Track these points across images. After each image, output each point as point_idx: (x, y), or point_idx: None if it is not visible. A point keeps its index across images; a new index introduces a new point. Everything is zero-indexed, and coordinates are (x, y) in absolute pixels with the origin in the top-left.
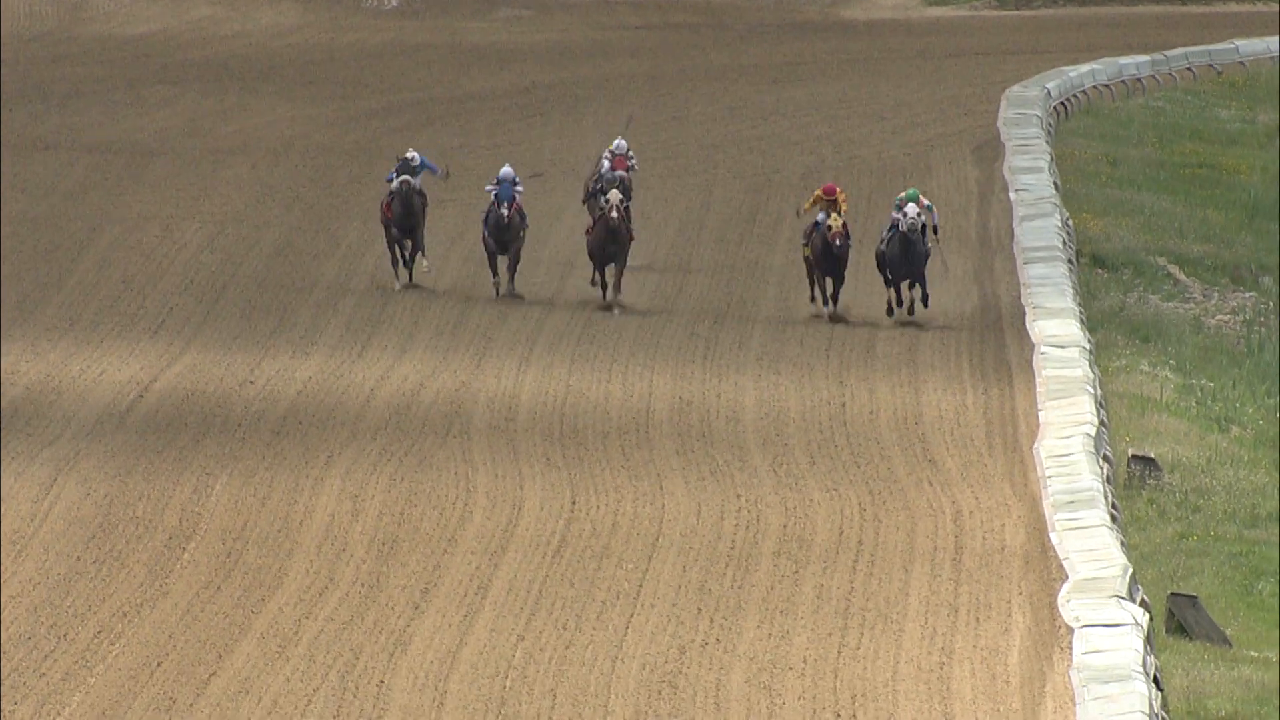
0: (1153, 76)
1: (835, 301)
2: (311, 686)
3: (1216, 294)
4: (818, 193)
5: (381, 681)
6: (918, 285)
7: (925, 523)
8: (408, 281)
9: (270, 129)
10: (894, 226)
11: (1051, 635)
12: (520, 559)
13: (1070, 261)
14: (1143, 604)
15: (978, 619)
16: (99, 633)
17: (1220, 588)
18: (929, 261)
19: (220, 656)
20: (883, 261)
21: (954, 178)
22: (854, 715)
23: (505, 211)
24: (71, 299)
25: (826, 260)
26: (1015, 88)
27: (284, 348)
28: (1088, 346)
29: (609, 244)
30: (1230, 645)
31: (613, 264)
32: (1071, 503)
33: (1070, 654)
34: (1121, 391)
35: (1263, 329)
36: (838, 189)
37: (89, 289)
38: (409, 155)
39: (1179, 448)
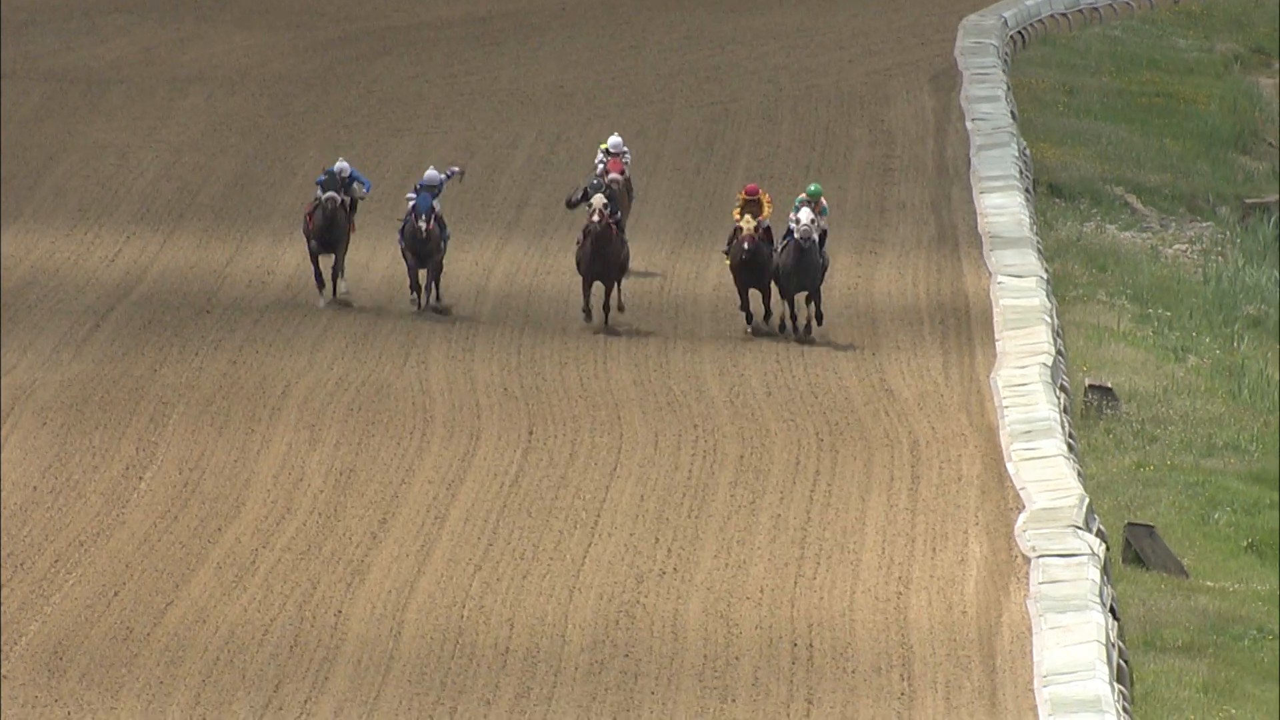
0: (1110, 5)
1: (767, 314)
2: (269, 616)
3: (1174, 223)
4: (740, 195)
5: (339, 611)
6: (813, 302)
7: (882, 453)
8: (331, 298)
9: (227, 58)
10: (789, 234)
11: (1008, 565)
12: (478, 489)
13: (1027, 191)
14: (1099, 534)
15: (934, 549)
16: (56, 562)
17: (1177, 517)
18: (825, 274)
19: (177, 586)
20: (776, 273)
21: (911, 107)
22: (811, 644)
23: (423, 225)
24: (28, 228)
25: (744, 269)
26: (972, 16)
27: (241, 277)
28: (1045, 276)
29: (596, 259)
30: (1187, 575)
31: (603, 282)
32: (1028, 432)
33: (1027, 583)
34: (1078, 321)
35: (1220, 259)
36: (760, 190)
37: (45, 218)
38: (337, 167)
39: (1136, 377)
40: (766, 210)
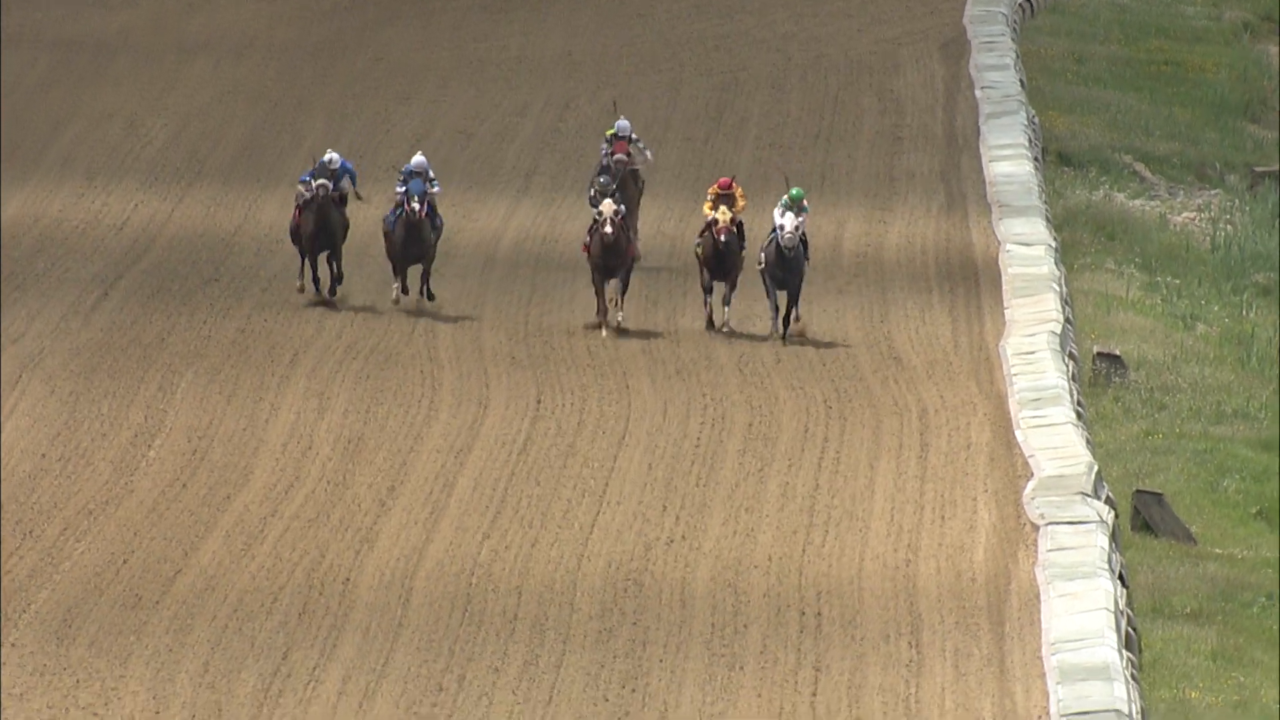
0: None
1: (727, 304)
2: (277, 584)
3: (1182, 191)
4: (713, 188)
5: (347, 579)
6: (792, 305)
7: (891, 420)
8: (315, 295)
9: (234, 25)
10: (774, 232)
11: (1017, 532)
12: (486, 457)
13: (1036, 159)
14: (1108, 501)
15: (943, 516)
16: (64, 530)
17: (1185, 485)
18: (806, 275)
19: (186, 554)
20: (761, 270)
21: (921, 75)
22: (819, 613)
23: (417, 206)
24: (35, 196)
25: (715, 261)
26: None
27: (249, 244)
28: (1053, 244)
29: (605, 260)
30: (1195, 542)
31: (614, 280)
32: (1037, 400)
33: (1035, 551)
34: (1087, 289)
35: (1228, 226)
36: (734, 183)
37: (53, 186)
38: (327, 158)
39: (1144, 345)
40: (740, 205)
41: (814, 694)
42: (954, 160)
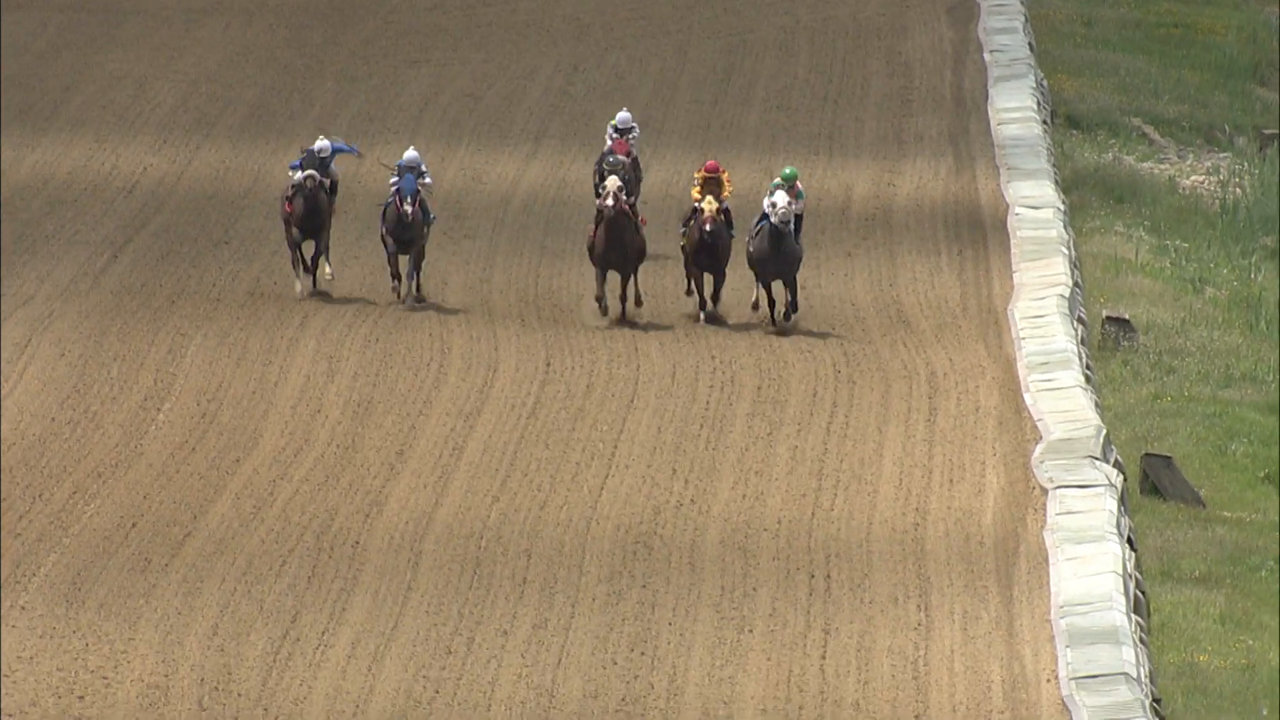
0: None
1: (716, 300)
2: (286, 547)
3: (1191, 154)
4: (699, 174)
5: (357, 543)
6: (787, 290)
7: (899, 384)
8: (311, 289)
9: None
10: (763, 217)
11: (1025, 496)
12: (495, 421)
13: (1045, 123)
14: (1117, 465)
15: (952, 480)
16: (74, 493)
17: (1194, 448)
18: (800, 263)
19: (195, 517)
20: (751, 258)
21: (929, 38)
22: (828, 576)
23: (409, 209)
24: (45, 159)
25: (702, 252)
26: None
27: (258, 208)
28: (1062, 208)
29: (610, 247)
30: (1204, 505)
31: (619, 271)
32: (1046, 364)
33: (1044, 515)
34: (1096, 253)
35: (1237, 189)
36: (720, 167)
37: (62, 149)
38: (317, 146)
39: (1153, 309)
40: (727, 190)
41: (823, 657)
42: (962, 123)
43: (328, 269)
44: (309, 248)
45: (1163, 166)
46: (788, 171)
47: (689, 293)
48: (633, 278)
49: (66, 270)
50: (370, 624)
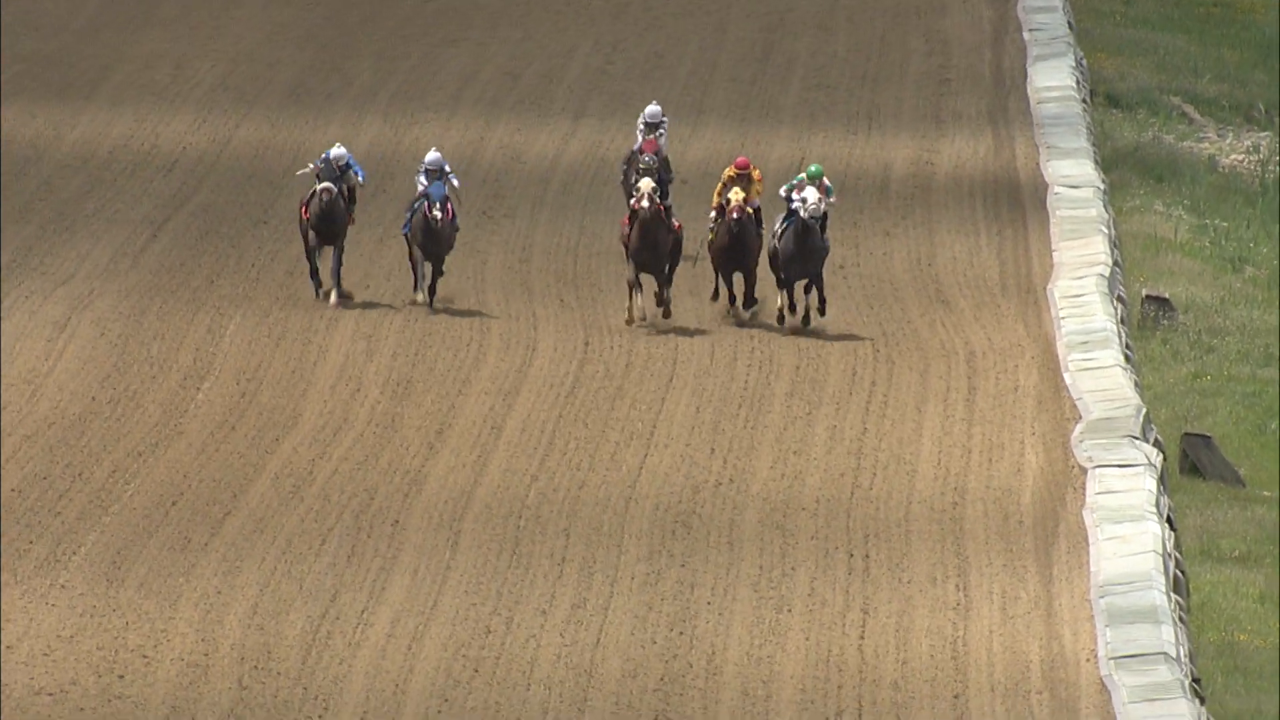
0: None
1: (748, 304)
2: (326, 526)
3: (1231, 133)
4: (729, 170)
5: (396, 521)
6: (815, 289)
7: (938, 364)
8: (331, 292)
9: None
10: (790, 215)
11: (1065, 475)
12: (534, 399)
13: (1084, 101)
14: (1156, 444)
15: (991, 459)
16: (114, 472)
17: (1234, 427)
18: (827, 259)
19: (235, 496)
20: (775, 258)
21: (968, 17)
22: (867, 555)
23: (438, 214)
24: (84, 138)
25: (729, 250)
26: None
27: (298, 188)
28: (1102, 187)
29: (644, 247)
30: (1243, 485)
31: (652, 273)
32: (1085, 343)
33: (1084, 494)
34: (1135, 232)
35: (1277, 168)
36: (751, 164)
37: (101, 128)
38: (334, 154)
39: (1193, 288)
40: (758, 188)
41: (862, 637)
42: (1001, 102)
43: (335, 294)
44: (325, 256)
45: (1202, 145)
46: (813, 169)
47: (714, 297)
48: (666, 282)
49: (106, 249)
50: (409, 603)
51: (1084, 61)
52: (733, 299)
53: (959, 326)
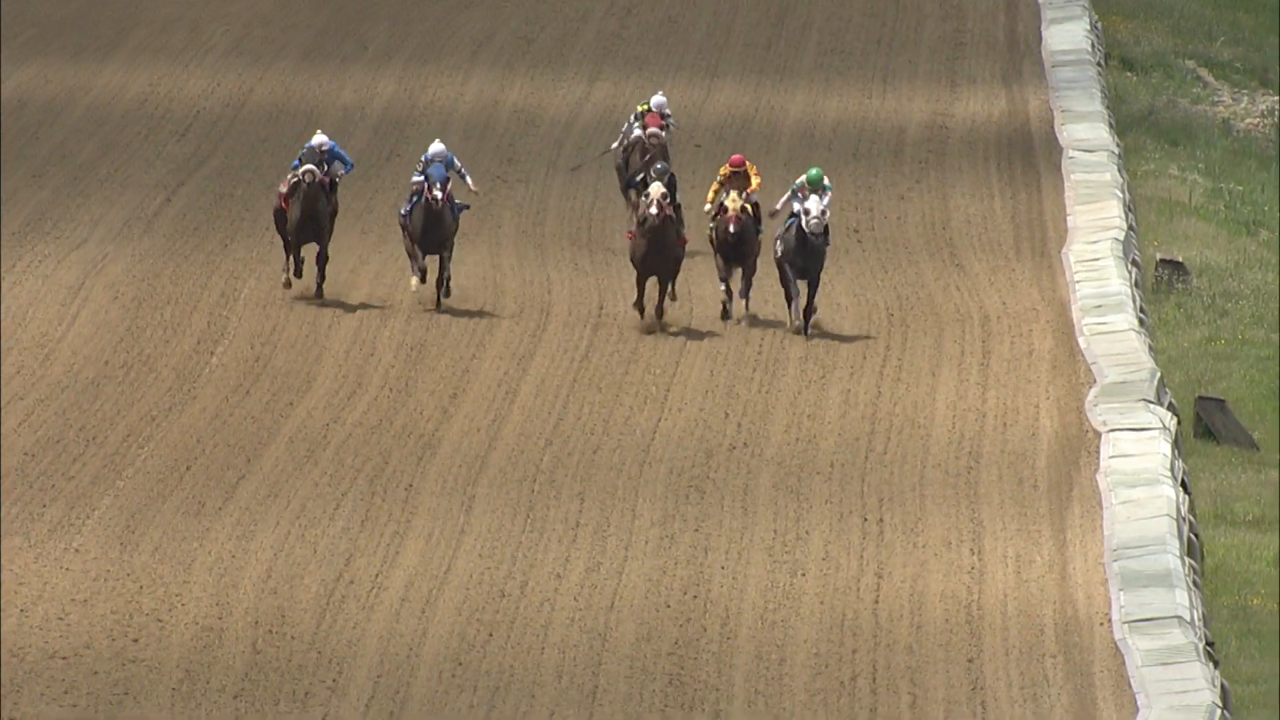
0: None
1: (746, 297)
2: (340, 490)
3: (1246, 97)
4: (724, 169)
5: (410, 485)
6: (809, 290)
7: (953, 327)
8: (297, 284)
9: None
10: (793, 218)
11: (1079, 439)
12: (548, 363)
13: (1099, 65)
14: (1170, 408)
15: (1005, 423)
16: (128, 436)
17: (1248, 391)
18: (825, 261)
19: (249, 460)
20: (779, 254)
21: None
22: (881, 519)
23: (438, 194)
24: (98, 101)
25: (729, 249)
26: None
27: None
28: (1116, 151)
29: (651, 254)
30: (1257, 449)
31: (659, 277)
32: (1099, 307)
33: (1098, 458)
34: (1150, 195)
35: None
36: (746, 161)
37: (116, 91)
38: (316, 141)
39: (1207, 251)
40: (755, 184)
41: (876, 600)
42: (1016, 65)
43: (321, 284)
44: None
45: (1217, 109)
46: (813, 173)
47: (724, 287)
48: (671, 283)
49: (120, 213)
50: (424, 566)
51: (1099, 25)
52: (729, 292)
53: (973, 290)
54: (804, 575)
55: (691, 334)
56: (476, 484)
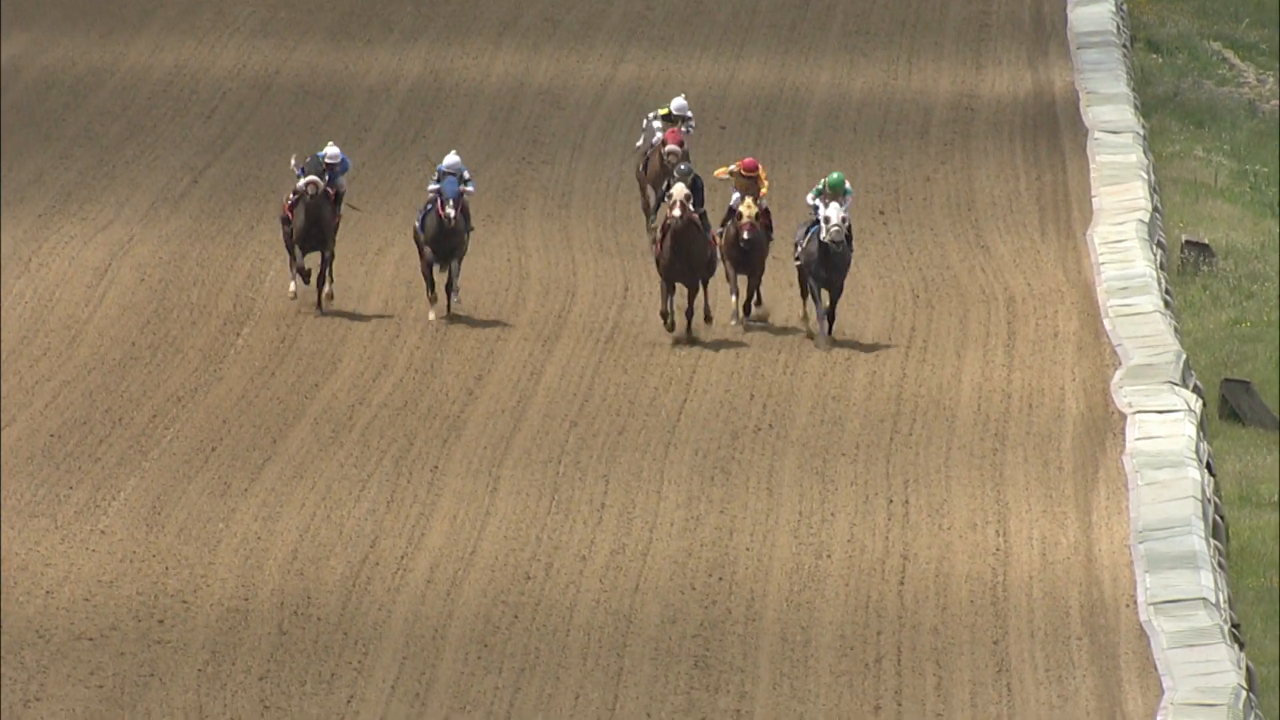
0: None
1: (749, 309)
2: (365, 472)
3: (1271, 78)
4: (735, 169)
5: (435, 467)
6: (830, 300)
7: (978, 309)
8: (301, 290)
9: None
10: (814, 224)
11: (1105, 421)
12: (573, 345)
13: (1124, 46)
14: (1196, 390)
15: (1030, 405)
16: (154, 417)
17: (1273, 372)
18: (849, 268)
19: (274, 441)
20: (801, 264)
21: None
22: (906, 501)
23: (451, 212)
24: (125, 84)
25: (738, 255)
26: None
27: (337, 134)
28: (1141, 132)
29: (677, 259)
30: None
31: (686, 284)
32: (1125, 289)
33: (1123, 440)
34: (1175, 177)
35: None
36: (759, 166)
37: (141, 74)
38: (329, 153)
39: (1233, 233)
40: (764, 190)
41: (901, 582)
42: (1041, 47)
43: (329, 288)
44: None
45: (1242, 90)
46: (834, 178)
47: (734, 291)
48: (702, 290)
49: (146, 195)
50: (449, 548)
51: (1124, 6)
52: (737, 305)
53: (998, 271)
54: (829, 557)
55: (717, 315)
56: (502, 465)
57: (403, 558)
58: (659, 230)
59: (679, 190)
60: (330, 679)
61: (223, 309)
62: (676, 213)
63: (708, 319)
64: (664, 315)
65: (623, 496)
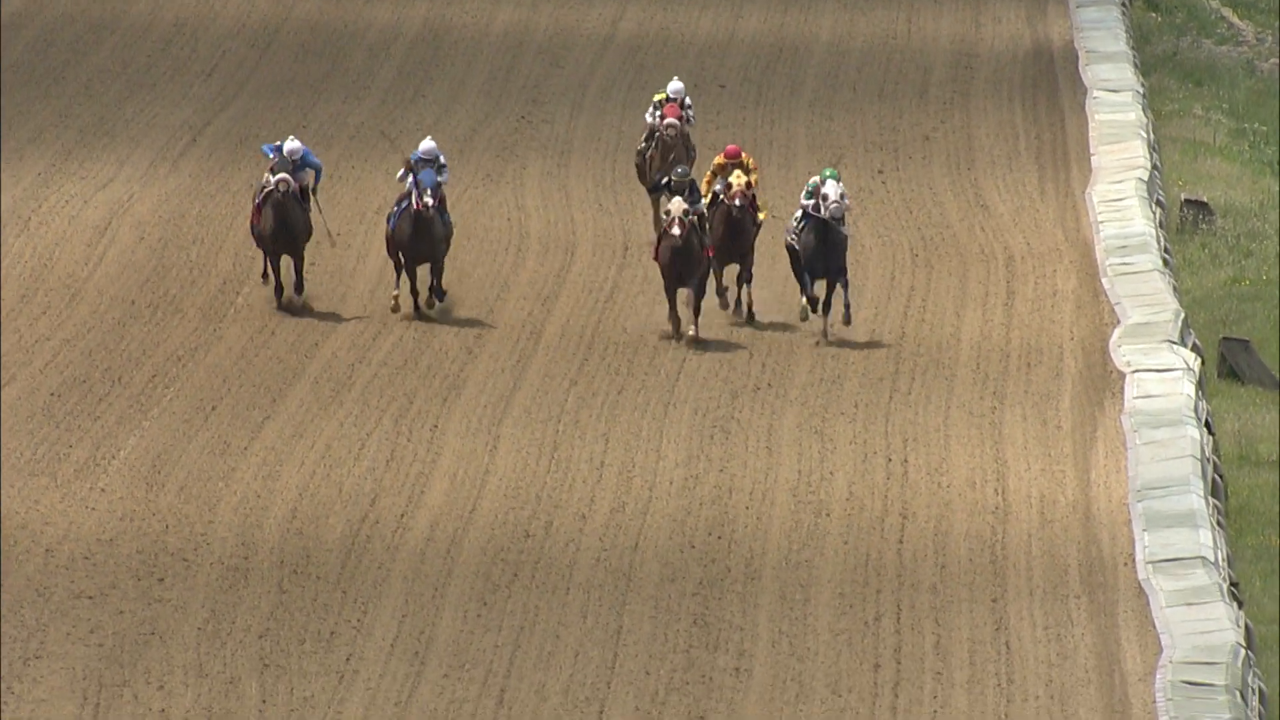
0: None
1: (746, 301)
2: (365, 431)
3: (1270, 37)
4: (718, 159)
5: (435, 426)
6: (840, 289)
7: (977, 268)
8: (279, 301)
9: None
10: (806, 215)
11: (1103, 380)
12: (573, 304)
13: (1123, 4)
14: (1194, 348)
15: (1029, 364)
16: (153, 377)
17: (1272, 331)
18: (847, 253)
19: (274, 401)
20: (794, 256)
21: None
22: (905, 459)
23: (429, 200)
24: (124, 42)
25: (725, 238)
26: None
27: (336, 92)
28: (1141, 91)
29: (676, 265)
30: None
31: (690, 287)
32: (1124, 247)
33: (1122, 399)
34: (1174, 136)
35: None
36: (743, 152)
37: (141, 32)
38: (287, 147)
39: (1231, 192)
40: (753, 174)
41: (900, 541)
42: (1040, 5)
43: (301, 296)
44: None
45: (1241, 49)
46: (828, 172)
47: (719, 291)
48: (703, 287)
49: (146, 154)
50: (448, 507)
51: None
52: (723, 291)
53: (997, 230)
54: (828, 515)
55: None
56: (501, 424)
57: (402, 516)
58: (658, 239)
59: (676, 205)
60: (330, 637)
61: (222, 268)
62: (676, 231)
63: (693, 320)
64: (671, 321)
65: (622, 455)
